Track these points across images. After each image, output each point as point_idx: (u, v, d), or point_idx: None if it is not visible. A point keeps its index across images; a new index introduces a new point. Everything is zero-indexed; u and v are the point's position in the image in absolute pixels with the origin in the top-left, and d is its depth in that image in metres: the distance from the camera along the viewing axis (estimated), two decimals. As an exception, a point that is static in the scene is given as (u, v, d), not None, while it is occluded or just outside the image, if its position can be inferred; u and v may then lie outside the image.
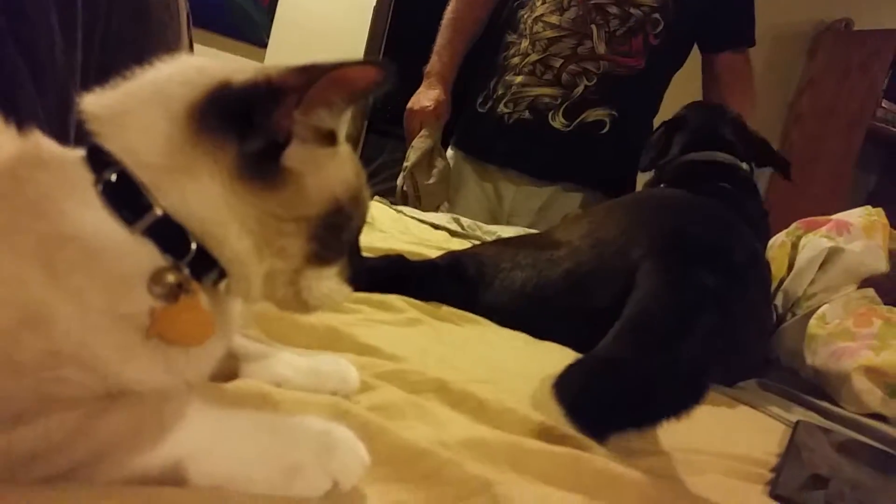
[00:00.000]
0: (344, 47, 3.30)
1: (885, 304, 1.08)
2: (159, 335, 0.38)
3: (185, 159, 0.39)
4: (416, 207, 1.73)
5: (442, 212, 1.78)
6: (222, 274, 0.42)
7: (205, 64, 0.42)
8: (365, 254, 1.01)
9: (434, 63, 1.83)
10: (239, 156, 0.39)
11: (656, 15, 1.63)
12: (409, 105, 1.82)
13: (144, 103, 0.40)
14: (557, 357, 0.84)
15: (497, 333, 0.87)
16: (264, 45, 3.18)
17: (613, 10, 1.62)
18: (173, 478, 0.36)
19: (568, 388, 0.63)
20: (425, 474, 0.43)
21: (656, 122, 1.77)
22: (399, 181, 1.83)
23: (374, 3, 3.28)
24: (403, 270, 0.91)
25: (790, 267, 1.09)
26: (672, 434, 0.65)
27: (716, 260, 0.88)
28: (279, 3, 3.18)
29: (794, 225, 1.15)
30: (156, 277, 0.38)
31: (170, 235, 0.39)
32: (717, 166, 1.17)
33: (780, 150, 3.79)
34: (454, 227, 1.66)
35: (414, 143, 1.77)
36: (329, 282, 0.45)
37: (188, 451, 0.37)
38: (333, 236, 0.44)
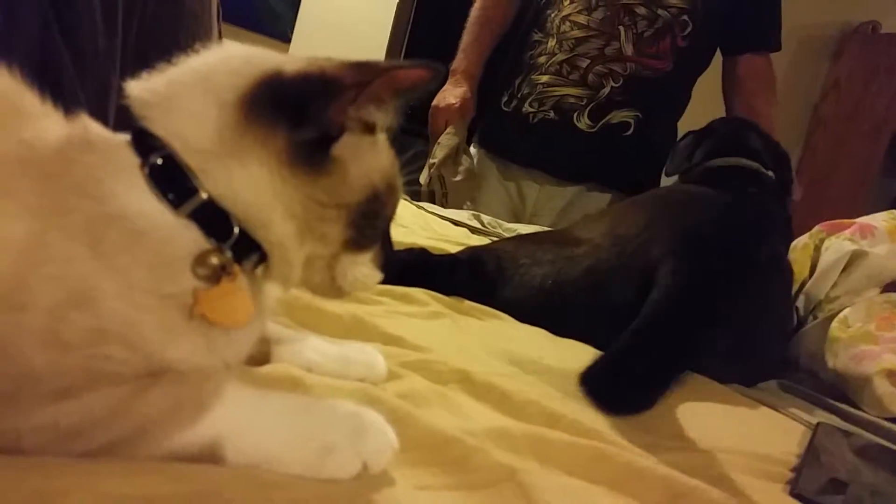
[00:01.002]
0: (367, 42, 3.32)
1: (907, 309, 1.07)
2: (202, 316, 0.39)
3: (234, 145, 0.40)
4: (442, 205, 1.73)
5: (464, 209, 1.78)
6: (262, 258, 0.43)
7: (251, 53, 0.43)
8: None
9: (460, 60, 1.83)
10: (289, 144, 0.41)
11: (685, 17, 1.63)
12: (435, 102, 1.82)
13: (193, 90, 0.41)
14: (578, 353, 0.84)
15: (518, 329, 0.88)
16: (288, 40, 3.20)
17: (641, 10, 1.62)
18: (211, 455, 0.37)
19: (593, 381, 0.68)
20: (452, 460, 0.44)
21: (681, 124, 1.77)
22: (423, 179, 1.82)
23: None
24: (426, 264, 0.92)
25: (812, 269, 1.09)
26: (694, 432, 0.66)
27: (736, 258, 0.88)
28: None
29: (816, 228, 1.15)
30: (200, 259, 0.39)
31: (214, 219, 0.40)
32: (742, 171, 1.17)
33: (804, 154, 3.78)
34: (475, 223, 1.67)
35: (440, 140, 1.77)
36: (363, 267, 0.47)
37: (226, 430, 0.38)
38: (369, 223, 0.45)
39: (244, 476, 0.36)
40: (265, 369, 0.49)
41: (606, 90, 1.65)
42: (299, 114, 0.41)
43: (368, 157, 0.44)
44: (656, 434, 0.62)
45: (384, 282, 0.84)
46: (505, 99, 1.80)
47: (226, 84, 0.41)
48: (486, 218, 1.71)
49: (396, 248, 0.98)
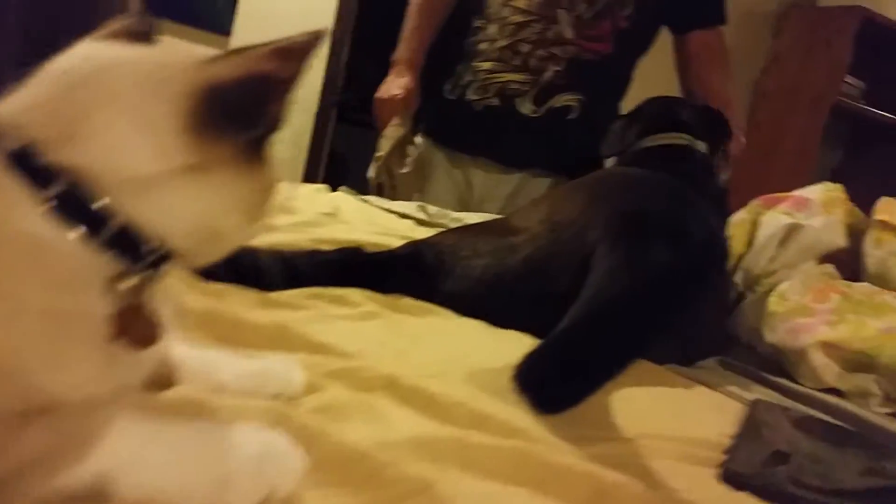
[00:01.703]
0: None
1: (844, 278, 1.09)
2: (118, 339, 0.38)
3: (180, 164, 0.39)
4: (391, 198, 1.71)
5: (414, 200, 1.76)
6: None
7: (162, 58, 0.42)
8: (323, 246, 1.01)
9: (402, 50, 1.80)
10: (238, 146, 0.41)
11: None
12: (378, 94, 1.79)
13: (107, 112, 0.38)
14: (517, 345, 0.83)
15: (457, 324, 0.87)
16: (228, 34, 3.13)
17: None
18: (101, 493, 0.35)
19: (525, 375, 0.65)
20: (365, 477, 0.43)
21: (625, 106, 1.77)
22: (371, 172, 1.80)
23: (339, -12, 3.24)
24: (360, 262, 0.91)
25: (750, 244, 1.10)
26: (626, 419, 0.66)
27: (671, 237, 0.88)
28: (241, -9, 3.13)
29: (753, 202, 1.16)
30: (114, 282, 0.38)
31: (130, 242, 0.38)
32: (674, 148, 1.17)
33: (748, 128, 3.84)
34: (421, 215, 1.65)
35: (386, 132, 1.75)
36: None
37: (115, 465, 0.36)
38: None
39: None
40: (167, 394, 0.47)
41: (549, 74, 1.63)
42: (246, 118, 0.41)
43: None
44: (587, 425, 0.61)
45: (316, 284, 0.83)
46: (448, 87, 1.77)
47: (154, 102, 0.39)
48: (432, 209, 1.69)
49: (337, 246, 0.98)
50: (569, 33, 1.61)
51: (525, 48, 1.62)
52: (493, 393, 0.64)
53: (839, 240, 1.10)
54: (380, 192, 1.75)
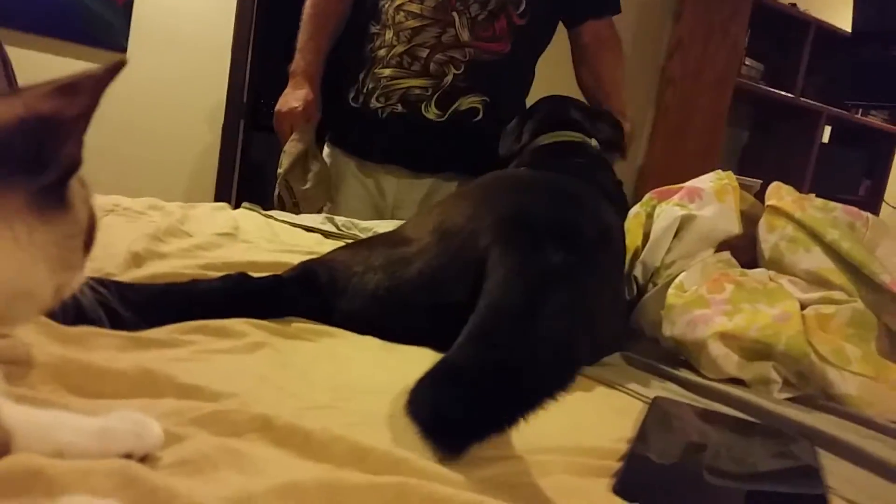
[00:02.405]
0: (209, 45, 3.17)
1: (742, 265, 1.11)
2: None
3: None
4: (294, 214, 1.68)
5: (324, 213, 1.73)
6: None
7: None
8: (216, 272, 0.96)
9: (298, 61, 1.77)
10: (30, 193, 0.38)
11: None
12: (278, 108, 1.76)
13: None
14: (414, 363, 0.80)
15: (352, 345, 0.84)
16: (123, 50, 3.01)
17: None
18: None
19: (421, 405, 0.59)
20: (216, 541, 0.39)
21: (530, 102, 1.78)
22: (277, 189, 1.77)
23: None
24: (247, 289, 0.86)
25: (646, 238, 1.10)
26: (521, 433, 0.64)
27: (563, 236, 0.87)
28: (135, 2, 3.01)
29: (647, 195, 1.17)
30: None
31: None
32: (567, 145, 1.18)
33: (657, 113, 3.94)
34: (328, 227, 1.61)
35: (286, 147, 1.71)
36: (85, 266, 0.46)
37: None
38: (93, 230, 0.45)
39: None
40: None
41: (449, 77, 1.63)
42: (32, 162, 0.38)
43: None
44: (481, 445, 0.59)
45: (198, 318, 0.79)
46: (352, 95, 1.75)
47: None
48: (340, 220, 1.66)
49: (234, 269, 0.93)
50: (465, 35, 1.61)
51: (423, 53, 1.61)
52: (383, 419, 0.61)
53: (733, 227, 1.12)
54: (282, 208, 1.72)
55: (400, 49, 1.63)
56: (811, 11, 4.07)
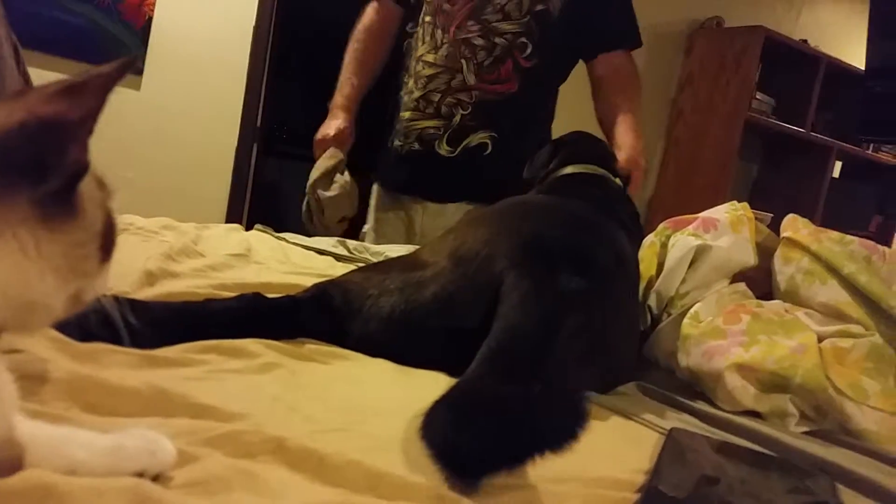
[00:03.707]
0: (226, 68, 3.20)
1: (757, 296, 1.10)
2: None
3: None
4: (319, 220, 1.81)
5: (340, 225, 1.86)
6: None
7: None
8: (228, 292, 0.96)
9: (336, 96, 1.98)
10: (35, 201, 0.36)
11: (522, 39, 1.73)
12: (315, 136, 1.95)
13: None
14: (427, 387, 0.80)
15: (365, 368, 0.83)
16: (140, 72, 3.04)
17: (479, 42, 1.74)
18: None
19: (436, 431, 0.58)
20: (231, 562, 0.38)
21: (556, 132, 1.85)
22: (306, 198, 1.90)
23: (253, 23, 3.19)
24: (260, 309, 0.86)
25: (660, 267, 1.10)
26: (536, 462, 0.63)
27: (577, 262, 0.87)
28: (153, 25, 3.05)
29: (661, 225, 1.16)
30: None
31: None
32: (589, 177, 1.19)
33: (667, 145, 3.95)
34: (340, 250, 1.62)
35: (317, 163, 1.89)
36: (105, 274, 0.44)
37: None
38: (112, 234, 0.43)
39: None
40: (9, 481, 0.42)
41: (458, 118, 1.79)
42: (35, 167, 0.36)
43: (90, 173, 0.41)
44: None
45: (211, 337, 0.78)
46: (389, 138, 1.96)
47: None
48: (352, 243, 1.67)
49: (247, 290, 0.93)
50: (471, 79, 1.76)
51: (436, 97, 1.79)
52: (397, 443, 0.60)
53: (749, 258, 1.11)
54: (308, 218, 1.84)
55: (417, 94, 1.81)
56: (822, 47, 4.10)
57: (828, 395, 0.86)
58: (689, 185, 3.85)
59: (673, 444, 0.74)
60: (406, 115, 1.85)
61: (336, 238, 1.69)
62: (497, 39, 1.72)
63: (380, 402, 0.72)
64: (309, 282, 1.05)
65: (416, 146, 1.82)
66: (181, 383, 0.62)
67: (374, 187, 2.04)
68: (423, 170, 1.84)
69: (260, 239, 1.57)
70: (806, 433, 0.87)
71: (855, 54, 4.28)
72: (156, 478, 0.46)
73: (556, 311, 0.80)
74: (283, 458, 0.53)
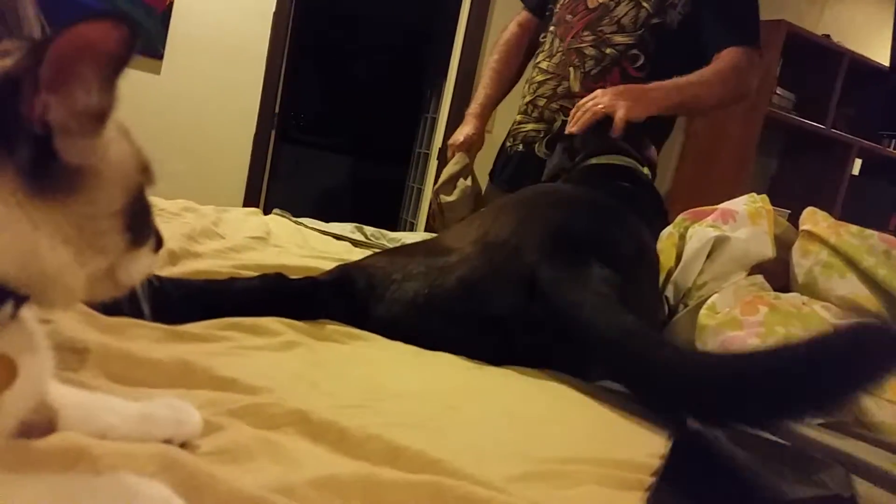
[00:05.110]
0: (245, 54, 3.22)
1: (774, 289, 1.10)
2: None
3: None
4: (441, 222, 1.91)
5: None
6: (21, 299, 0.37)
7: None
8: (248, 273, 0.97)
9: (471, 105, 2.09)
10: (17, 168, 0.35)
11: (634, 51, 1.73)
12: (448, 141, 2.06)
13: None
14: (445, 370, 0.81)
15: (384, 349, 0.84)
16: (160, 57, 3.07)
17: (590, 52, 1.76)
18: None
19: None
20: (256, 526, 0.39)
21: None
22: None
23: (273, 9, 3.20)
24: (282, 289, 0.87)
25: (678, 258, 1.10)
26: (552, 443, 0.63)
27: (603, 253, 0.88)
28: (174, 11, 3.07)
29: (680, 216, 1.16)
30: None
31: None
32: (616, 168, 1.19)
33: (686, 140, 3.92)
34: (357, 236, 1.63)
35: (445, 168, 2.00)
36: (145, 259, 0.44)
37: None
38: (143, 217, 0.42)
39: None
40: (43, 442, 0.43)
41: (558, 123, 1.83)
42: (5, 129, 0.35)
43: (116, 151, 0.40)
44: (510, 452, 0.59)
45: (235, 314, 0.80)
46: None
47: None
48: (369, 230, 1.68)
49: (265, 271, 0.94)
50: (576, 87, 1.79)
51: (542, 102, 1.86)
52: (414, 422, 0.61)
53: (767, 250, 1.11)
54: (432, 218, 1.98)
55: (527, 99, 1.90)
56: (845, 43, 4.05)
57: (844, 388, 0.86)
58: (707, 179, 3.83)
59: (689, 433, 0.75)
60: (518, 118, 1.95)
61: (353, 224, 1.71)
62: (607, 50, 1.74)
63: (399, 384, 0.72)
64: (327, 265, 1.06)
65: (520, 148, 1.91)
66: (204, 357, 0.63)
67: (487, 184, 2.11)
68: (523, 170, 1.90)
69: (278, 223, 1.59)
70: (821, 425, 0.87)
71: (879, 50, 4.24)
72: (182, 445, 0.47)
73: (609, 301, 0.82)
74: (305, 430, 0.54)
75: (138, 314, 0.69)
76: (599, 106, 1.42)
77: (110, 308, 0.68)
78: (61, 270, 0.38)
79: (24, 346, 0.39)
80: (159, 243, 0.46)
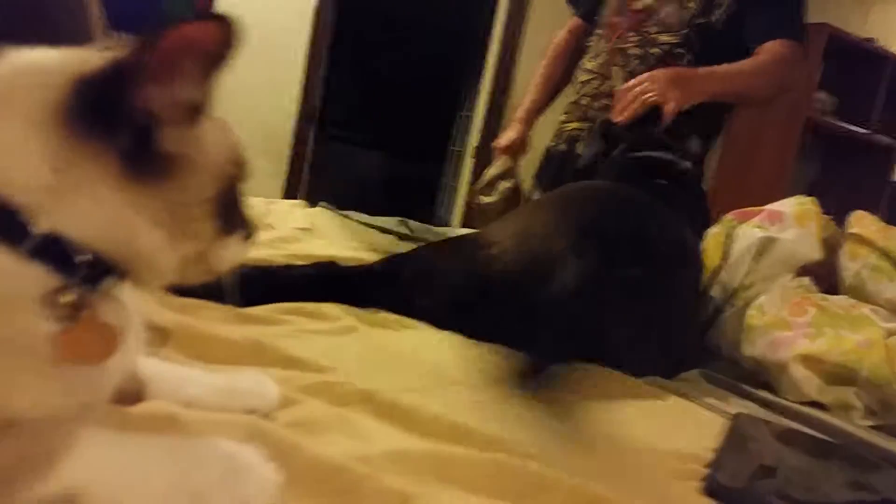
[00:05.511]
0: (286, 50, 3.26)
1: (821, 291, 1.10)
2: (64, 358, 0.36)
3: (68, 173, 0.36)
4: (480, 222, 1.86)
5: None
6: (123, 275, 0.40)
7: (47, 59, 0.38)
8: (300, 261, 0.99)
9: (519, 109, 2.09)
10: (119, 153, 0.37)
11: (679, 50, 1.70)
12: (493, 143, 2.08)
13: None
14: (493, 359, 0.83)
15: (434, 338, 0.86)
16: (204, 52, 3.12)
17: (635, 51, 1.74)
18: (71, 506, 0.34)
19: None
20: (341, 490, 0.41)
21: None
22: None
23: (313, 5, 3.24)
24: (336, 276, 0.89)
25: (724, 257, 1.10)
26: (606, 432, 0.65)
27: (635, 251, 0.89)
28: (216, 4, 3.12)
29: (726, 216, 1.16)
30: (49, 299, 0.36)
31: (58, 253, 0.36)
32: (656, 163, 1.18)
33: (725, 142, 3.88)
34: (403, 230, 1.65)
35: (488, 169, 1.99)
36: (235, 247, 0.45)
37: (82, 482, 0.35)
38: (234, 207, 0.44)
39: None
40: (137, 409, 0.45)
41: (591, 128, 1.79)
42: (110, 116, 0.37)
43: (210, 142, 0.42)
44: (566, 438, 0.61)
45: (292, 299, 0.82)
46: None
47: (34, 103, 0.36)
48: (413, 224, 1.70)
49: (310, 261, 0.97)
50: (619, 86, 1.71)
51: (585, 101, 1.83)
52: (472, 406, 0.63)
53: (814, 253, 1.10)
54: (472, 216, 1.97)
55: (572, 98, 1.89)
56: (889, 46, 3.98)
57: (893, 390, 0.86)
58: (745, 183, 3.79)
59: (735, 431, 0.75)
60: (561, 117, 1.94)
61: (398, 218, 1.73)
62: (652, 49, 1.72)
63: (452, 369, 0.74)
64: (372, 257, 1.08)
65: (563, 147, 1.89)
66: (272, 338, 0.66)
67: (531, 186, 2.10)
68: (562, 168, 1.88)
69: (324, 215, 1.62)
70: (872, 427, 0.87)
71: (924, 55, 4.15)
72: (262, 416, 0.50)
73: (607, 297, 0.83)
74: (373, 408, 0.56)
75: (211, 296, 0.71)
76: (649, 95, 1.40)
77: (183, 290, 0.71)
78: (155, 251, 0.40)
79: (122, 320, 0.42)
80: (251, 233, 0.47)
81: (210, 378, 0.50)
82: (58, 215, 0.36)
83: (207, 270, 0.45)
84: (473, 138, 3.70)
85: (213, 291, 0.73)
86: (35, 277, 0.35)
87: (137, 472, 0.36)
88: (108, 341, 0.39)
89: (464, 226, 2.62)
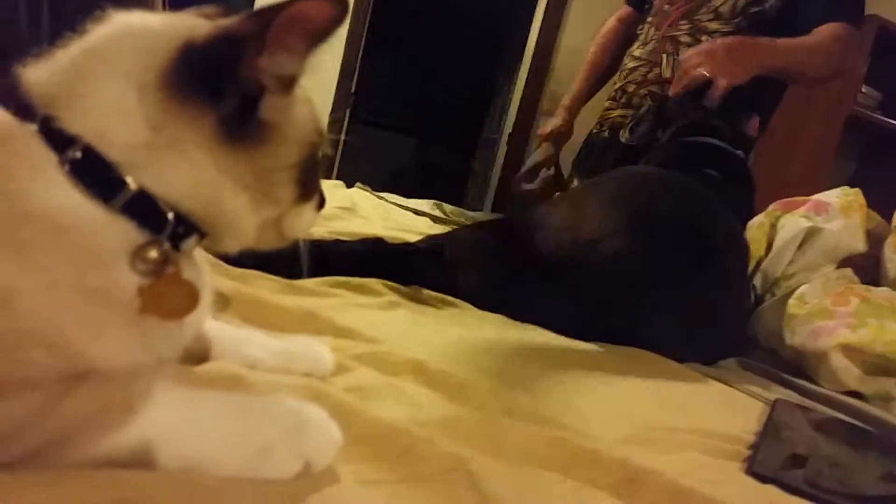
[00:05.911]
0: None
1: (862, 283, 1.09)
2: (148, 311, 0.37)
3: (165, 132, 0.38)
4: (521, 207, 1.89)
5: None
6: (202, 235, 0.42)
7: (153, 23, 0.40)
8: (343, 237, 1.01)
9: (564, 98, 2.10)
10: (219, 118, 0.39)
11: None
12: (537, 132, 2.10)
13: (102, 77, 0.38)
14: (535, 340, 0.84)
15: (476, 316, 0.87)
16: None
17: (685, 39, 1.74)
18: (142, 459, 0.35)
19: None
20: (399, 453, 0.43)
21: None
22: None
23: (354, -10, 3.26)
24: (381, 253, 0.91)
25: (769, 247, 1.10)
26: (649, 412, 0.66)
27: (684, 238, 0.89)
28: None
29: (772, 206, 1.16)
30: (138, 254, 0.38)
31: (148, 210, 0.38)
32: (707, 149, 1.17)
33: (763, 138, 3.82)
34: (437, 213, 1.67)
35: (532, 155, 2.02)
36: (308, 214, 0.47)
37: (156, 433, 0.36)
38: (312, 175, 0.46)
39: (176, 480, 0.35)
40: (203, 368, 0.47)
41: (645, 108, 1.76)
42: (216, 82, 0.39)
43: (299, 113, 0.44)
44: (611, 416, 0.62)
45: (339, 272, 0.84)
46: None
47: (139, 65, 0.38)
48: (448, 207, 1.72)
49: (353, 238, 0.98)
50: (667, 73, 1.75)
51: (631, 87, 1.83)
52: (519, 383, 0.64)
53: (858, 244, 1.09)
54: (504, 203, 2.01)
55: (618, 85, 1.87)
56: (940, 41, 3.87)
57: (937, 384, 0.86)
58: (782, 179, 3.72)
59: (772, 418, 0.75)
60: (606, 104, 1.93)
61: (433, 201, 1.75)
62: (703, 38, 1.70)
63: (497, 346, 0.75)
64: (410, 238, 1.09)
65: (606, 134, 1.89)
66: (323, 309, 0.68)
67: (571, 173, 2.10)
68: (604, 155, 1.88)
69: (362, 196, 1.64)
70: (911, 418, 0.87)
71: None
72: (319, 380, 0.51)
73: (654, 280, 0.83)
74: (423, 378, 0.58)
75: (294, 268, 0.73)
76: (702, 70, 1.37)
77: (236, 261, 0.73)
78: (238, 213, 0.42)
79: (197, 279, 0.43)
80: (322, 203, 0.49)
81: (270, 341, 0.52)
82: (151, 174, 0.38)
83: (281, 237, 0.46)
84: (508, 125, 3.69)
85: (267, 262, 0.76)
86: (125, 232, 0.37)
87: (207, 426, 0.38)
88: (189, 298, 0.41)
89: (494, 212, 2.62)
